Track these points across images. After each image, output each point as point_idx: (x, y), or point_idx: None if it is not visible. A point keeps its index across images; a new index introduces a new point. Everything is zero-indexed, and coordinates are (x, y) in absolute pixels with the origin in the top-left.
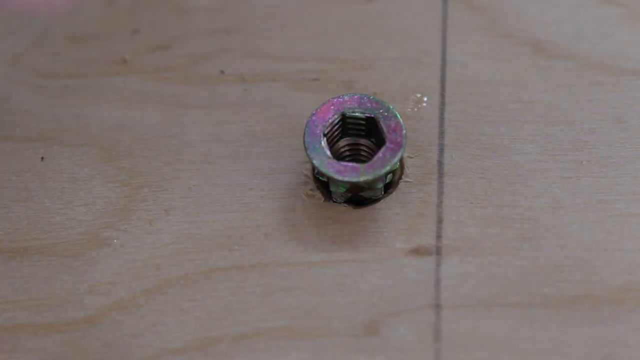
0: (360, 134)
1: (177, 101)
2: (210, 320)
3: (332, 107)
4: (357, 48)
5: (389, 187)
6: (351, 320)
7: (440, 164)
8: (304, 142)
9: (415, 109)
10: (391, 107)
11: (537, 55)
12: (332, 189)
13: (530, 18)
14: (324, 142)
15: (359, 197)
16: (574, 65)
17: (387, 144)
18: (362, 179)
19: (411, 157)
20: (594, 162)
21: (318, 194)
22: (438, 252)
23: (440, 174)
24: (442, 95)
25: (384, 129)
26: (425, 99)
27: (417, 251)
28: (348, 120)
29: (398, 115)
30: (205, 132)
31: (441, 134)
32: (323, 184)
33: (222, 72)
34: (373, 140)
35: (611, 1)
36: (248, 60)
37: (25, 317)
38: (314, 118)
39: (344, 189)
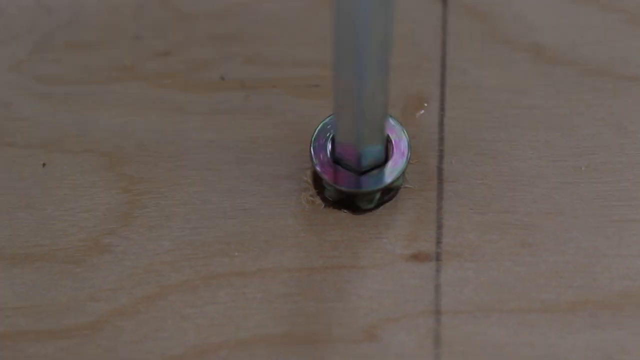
0: None
1: (178, 107)
2: (210, 327)
3: None
4: None
5: (388, 193)
6: (351, 326)
7: (439, 169)
8: (311, 142)
9: (415, 115)
10: (403, 130)
11: (536, 61)
12: (326, 185)
13: (530, 24)
14: (329, 145)
15: (352, 203)
16: (573, 71)
17: (389, 162)
18: (355, 189)
19: (411, 163)
20: (594, 167)
21: (318, 200)
22: (438, 257)
23: (440, 180)
24: (442, 101)
25: (390, 147)
26: (425, 104)
27: (417, 257)
28: None
29: (405, 133)
30: (206, 138)
31: (441, 140)
32: (322, 187)
33: (222, 78)
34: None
35: (611, 7)
36: (249, 66)
37: (27, 324)
38: (327, 120)
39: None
